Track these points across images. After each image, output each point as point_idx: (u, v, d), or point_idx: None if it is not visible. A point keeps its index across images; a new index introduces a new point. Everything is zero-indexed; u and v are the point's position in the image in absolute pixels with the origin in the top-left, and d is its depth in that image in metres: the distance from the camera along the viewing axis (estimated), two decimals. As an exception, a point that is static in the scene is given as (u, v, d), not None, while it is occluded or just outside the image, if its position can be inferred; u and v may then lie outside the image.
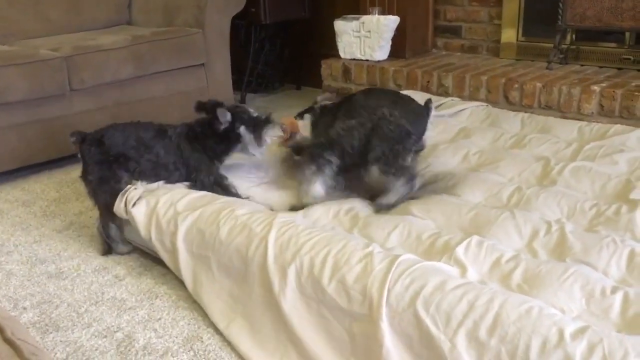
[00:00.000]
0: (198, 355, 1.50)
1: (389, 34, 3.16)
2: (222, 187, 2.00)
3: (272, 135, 2.07)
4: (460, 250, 1.49)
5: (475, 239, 1.53)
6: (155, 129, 2.00)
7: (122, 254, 2.00)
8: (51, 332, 1.62)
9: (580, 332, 1.15)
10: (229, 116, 1.99)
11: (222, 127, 2.00)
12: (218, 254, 1.66)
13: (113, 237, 1.98)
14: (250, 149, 2.06)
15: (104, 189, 1.92)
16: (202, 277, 1.70)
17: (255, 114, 2.07)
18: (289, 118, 2.15)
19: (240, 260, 1.60)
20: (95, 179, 1.92)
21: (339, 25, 3.26)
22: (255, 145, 2.05)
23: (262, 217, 1.66)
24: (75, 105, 2.76)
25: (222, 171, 2.07)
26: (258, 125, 2.04)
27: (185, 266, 1.73)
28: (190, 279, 1.72)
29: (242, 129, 2.03)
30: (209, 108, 2.01)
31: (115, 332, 1.61)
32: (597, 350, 1.10)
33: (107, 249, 2.01)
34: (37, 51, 2.68)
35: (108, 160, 1.91)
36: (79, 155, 1.95)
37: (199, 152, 2.01)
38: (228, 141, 2.05)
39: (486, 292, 1.27)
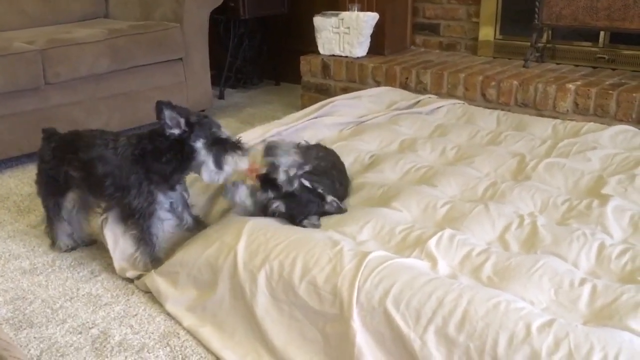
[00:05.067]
0: (175, 351, 1.50)
1: (368, 30, 3.17)
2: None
3: (236, 165, 1.65)
4: (431, 244, 1.50)
5: (447, 232, 1.55)
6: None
7: (61, 250, 1.98)
8: (25, 328, 1.60)
9: (547, 325, 1.17)
10: (182, 122, 1.63)
11: (171, 132, 1.64)
12: (187, 268, 1.65)
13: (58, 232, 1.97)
14: (205, 171, 1.66)
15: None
16: (169, 291, 1.68)
17: (223, 134, 1.67)
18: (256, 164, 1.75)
19: (210, 271, 1.59)
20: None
21: (318, 21, 3.26)
22: (212, 168, 1.65)
23: (232, 228, 1.65)
24: (50, 99, 2.72)
25: None
26: (220, 146, 1.64)
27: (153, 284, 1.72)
28: (159, 295, 1.70)
29: (199, 143, 1.64)
30: (156, 108, 1.63)
31: (90, 328, 1.60)
32: (563, 345, 1.13)
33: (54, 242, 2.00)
34: (12, 44, 2.63)
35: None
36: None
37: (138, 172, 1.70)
38: (180, 157, 1.66)
39: (455, 288, 1.28)
